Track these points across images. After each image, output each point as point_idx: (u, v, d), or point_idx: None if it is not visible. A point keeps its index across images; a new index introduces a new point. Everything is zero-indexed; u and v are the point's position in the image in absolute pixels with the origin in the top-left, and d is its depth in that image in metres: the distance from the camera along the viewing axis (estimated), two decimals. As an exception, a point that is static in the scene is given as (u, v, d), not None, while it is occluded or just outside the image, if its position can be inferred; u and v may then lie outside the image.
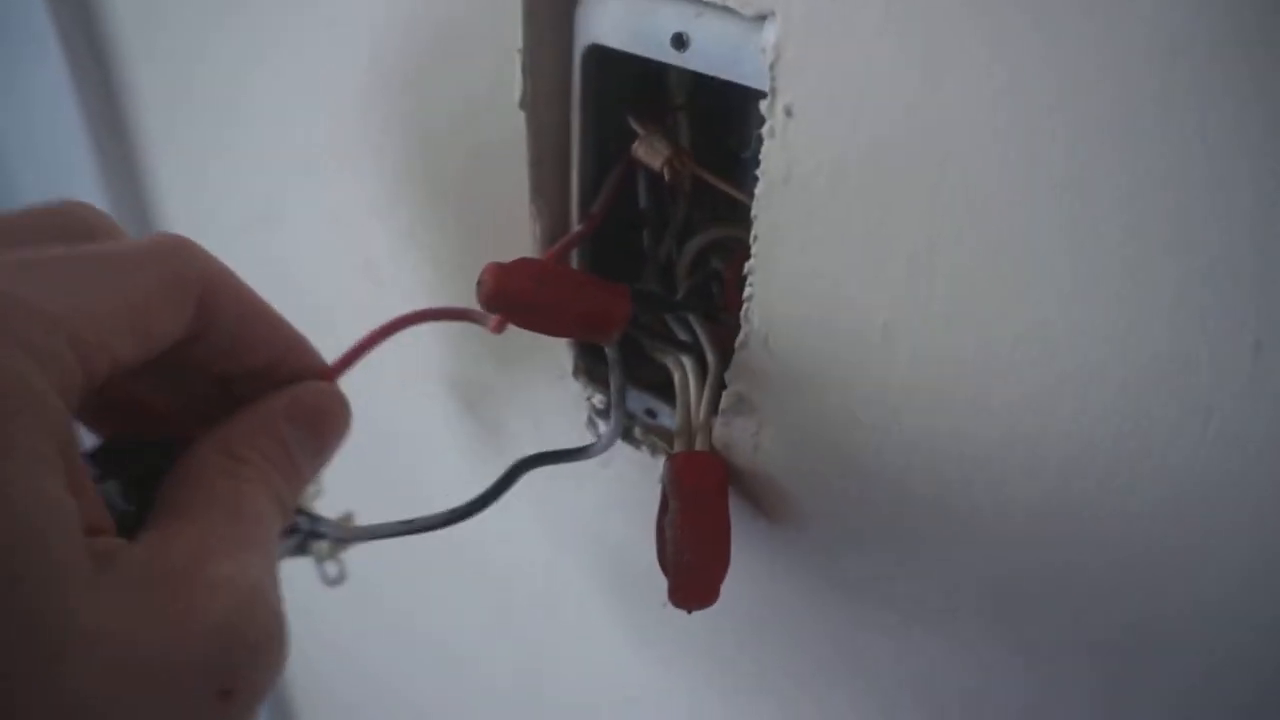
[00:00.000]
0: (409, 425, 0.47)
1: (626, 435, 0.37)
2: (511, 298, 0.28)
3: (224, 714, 0.19)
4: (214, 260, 0.24)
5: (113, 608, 0.18)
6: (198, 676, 0.19)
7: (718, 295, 0.35)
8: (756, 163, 0.27)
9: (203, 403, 0.27)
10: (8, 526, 0.17)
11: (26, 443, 0.18)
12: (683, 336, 0.33)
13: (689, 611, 0.29)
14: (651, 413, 0.36)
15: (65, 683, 0.17)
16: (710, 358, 0.32)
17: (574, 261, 0.36)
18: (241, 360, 0.26)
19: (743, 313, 0.29)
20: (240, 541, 0.21)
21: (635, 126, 0.31)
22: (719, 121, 0.33)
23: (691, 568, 0.29)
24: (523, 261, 0.28)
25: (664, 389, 0.35)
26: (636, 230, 0.36)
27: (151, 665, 0.18)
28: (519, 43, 0.31)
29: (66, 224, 0.23)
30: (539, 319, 0.29)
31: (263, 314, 0.26)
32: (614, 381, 0.32)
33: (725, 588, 0.30)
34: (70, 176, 0.67)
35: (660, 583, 0.30)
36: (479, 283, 0.27)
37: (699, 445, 0.32)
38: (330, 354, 0.30)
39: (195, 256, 0.23)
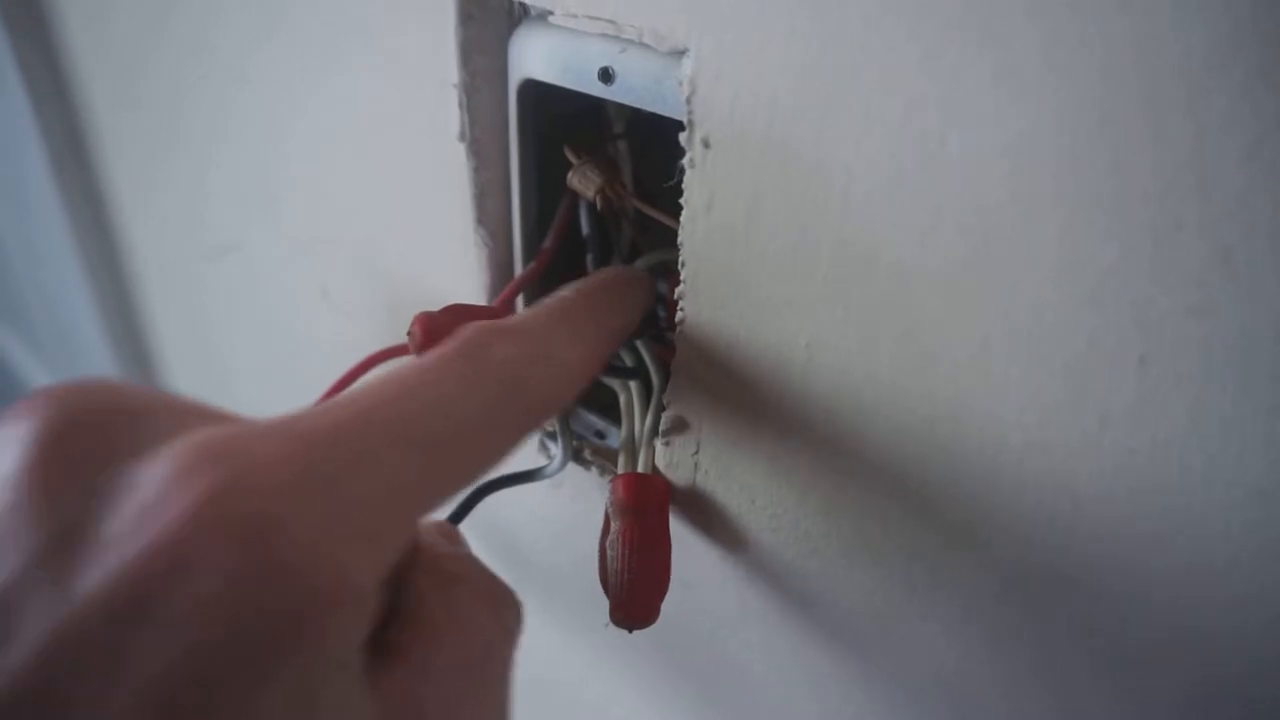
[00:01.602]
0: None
1: (577, 457, 0.37)
2: None
3: None
4: None
5: None
6: None
7: (663, 317, 0.36)
8: (681, 191, 0.27)
9: None
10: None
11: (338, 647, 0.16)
12: (628, 360, 0.34)
13: (629, 631, 0.30)
14: (600, 434, 0.37)
15: None
16: (655, 379, 0.33)
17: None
18: None
19: (676, 335, 0.30)
20: (462, 694, 0.19)
21: (570, 156, 0.32)
22: (658, 150, 0.34)
23: (631, 587, 0.30)
24: (452, 308, 0.29)
25: (614, 410, 0.35)
26: (584, 254, 0.36)
27: None
28: (454, 78, 0.31)
29: None
30: None
31: None
32: (556, 408, 0.33)
33: (665, 606, 0.30)
34: (35, 210, 0.67)
35: (604, 602, 0.31)
36: (409, 333, 0.27)
37: (642, 466, 0.33)
38: (300, 381, 0.31)
39: None
